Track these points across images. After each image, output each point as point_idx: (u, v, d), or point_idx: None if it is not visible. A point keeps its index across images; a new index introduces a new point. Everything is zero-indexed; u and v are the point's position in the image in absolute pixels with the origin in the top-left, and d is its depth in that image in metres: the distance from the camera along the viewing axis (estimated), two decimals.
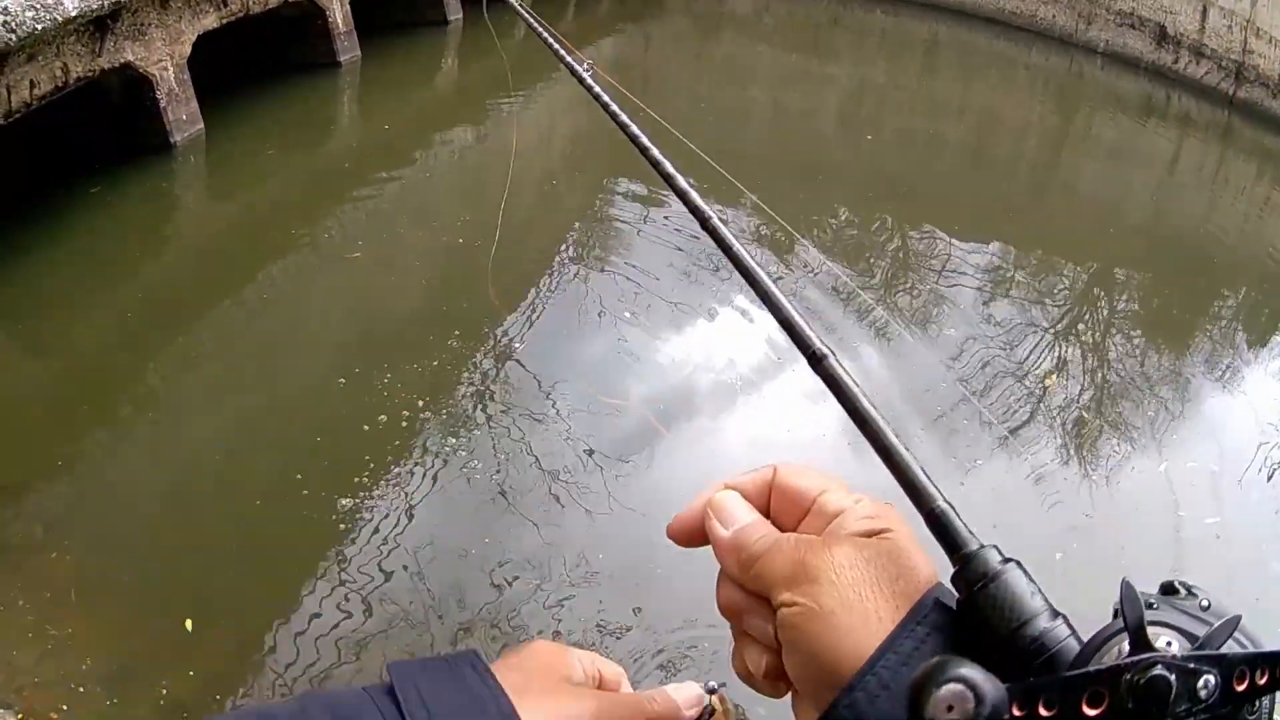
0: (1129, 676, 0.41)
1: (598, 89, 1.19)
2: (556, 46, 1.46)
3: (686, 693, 0.64)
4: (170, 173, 6.71)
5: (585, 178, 7.76)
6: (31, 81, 5.38)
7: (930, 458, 4.41)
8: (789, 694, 0.55)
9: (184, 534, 3.85)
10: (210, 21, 6.95)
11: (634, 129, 1.03)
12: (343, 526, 3.83)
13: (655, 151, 0.95)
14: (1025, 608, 0.47)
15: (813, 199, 7.38)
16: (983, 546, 0.50)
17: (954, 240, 6.66)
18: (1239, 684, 0.42)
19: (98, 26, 5.76)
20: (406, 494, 4.02)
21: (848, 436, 4.16)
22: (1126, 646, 0.43)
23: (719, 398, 4.78)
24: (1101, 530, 4.08)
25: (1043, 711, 0.42)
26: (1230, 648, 0.43)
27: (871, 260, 6.54)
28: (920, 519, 0.54)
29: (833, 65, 11.43)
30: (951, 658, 0.41)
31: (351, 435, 4.32)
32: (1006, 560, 0.49)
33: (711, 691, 0.64)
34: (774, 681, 0.55)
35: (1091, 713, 0.41)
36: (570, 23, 11.59)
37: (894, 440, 0.56)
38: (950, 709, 0.39)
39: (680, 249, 5.95)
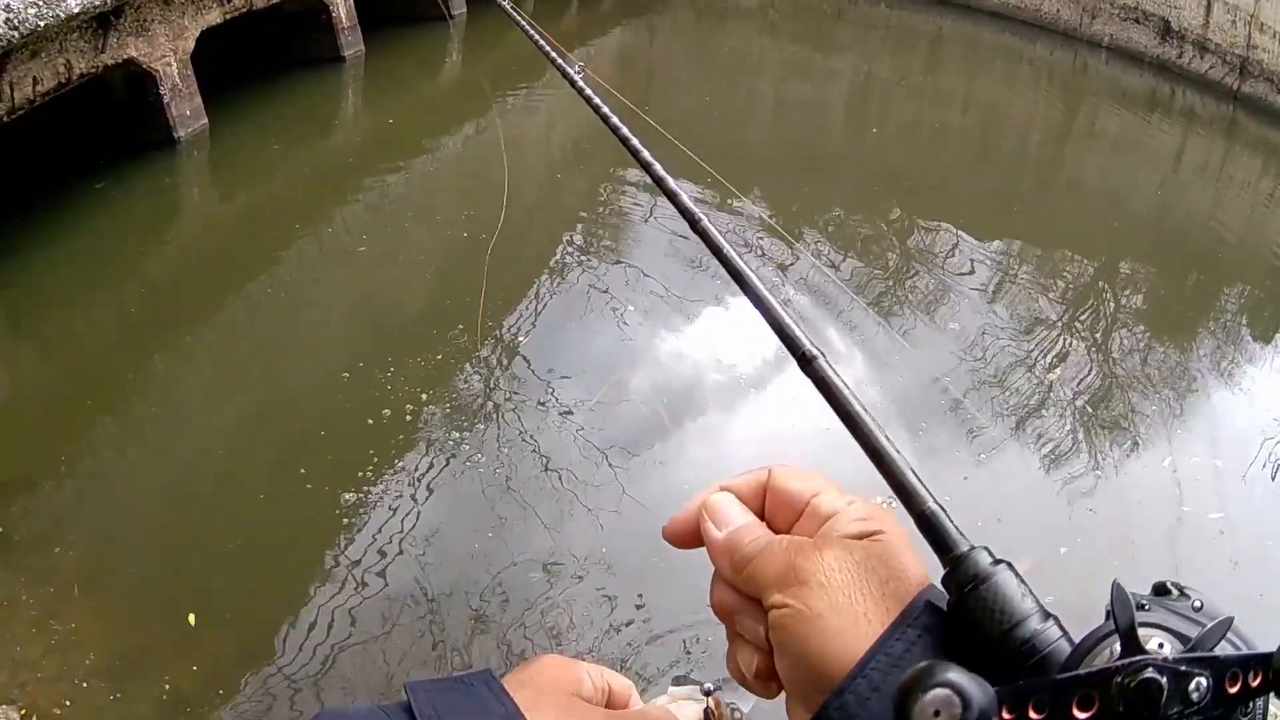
0: (1120, 679, 0.41)
1: (589, 92, 1.18)
2: (548, 49, 1.45)
3: (688, 713, 0.65)
4: (174, 168, 6.71)
5: (589, 170, 7.75)
6: (34, 78, 5.38)
7: (933, 452, 4.41)
8: (783, 696, 0.55)
9: (187, 529, 3.86)
10: (213, 17, 6.95)
11: (624, 131, 1.03)
12: (346, 521, 3.84)
13: (646, 154, 0.95)
14: (1016, 610, 0.46)
15: (816, 193, 7.37)
16: (973, 548, 0.50)
17: (958, 234, 6.64)
18: (1232, 686, 0.41)
19: (100, 23, 5.77)
20: (410, 488, 4.02)
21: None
22: (1118, 648, 0.43)
23: (724, 391, 4.78)
24: (1105, 525, 4.08)
25: (1033, 715, 0.41)
26: (1223, 649, 0.42)
27: (875, 254, 6.52)
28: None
29: (837, 59, 11.40)
30: (939, 662, 0.40)
31: (355, 430, 4.33)
32: (997, 562, 0.49)
33: (708, 693, 0.64)
34: (765, 682, 0.55)
35: (1082, 716, 0.41)
36: (574, 17, 11.58)
37: (884, 442, 0.56)
38: (937, 714, 0.39)
39: (686, 237, 5.93)
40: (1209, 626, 0.43)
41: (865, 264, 6.35)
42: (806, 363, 0.61)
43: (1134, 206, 7.84)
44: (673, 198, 0.85)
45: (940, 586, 0.50)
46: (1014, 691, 0.41)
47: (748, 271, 0.71)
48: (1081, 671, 0.42)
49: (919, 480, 0.53)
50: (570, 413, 4.49)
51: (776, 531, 0.57)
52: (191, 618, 3.38)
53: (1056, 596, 3.01)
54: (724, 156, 7.05)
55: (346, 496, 3.93)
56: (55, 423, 4.42)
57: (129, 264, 5.77)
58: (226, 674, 3.22)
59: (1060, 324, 5.64)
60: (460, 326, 5.11)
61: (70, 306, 5.23)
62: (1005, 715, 0.41)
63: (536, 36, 1.61)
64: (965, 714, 0.39)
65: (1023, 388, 4.95)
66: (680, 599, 3.45)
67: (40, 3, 4.88)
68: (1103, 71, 10.79)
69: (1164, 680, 0.40)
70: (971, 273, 6.15)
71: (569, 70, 1.26)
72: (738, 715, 0.63)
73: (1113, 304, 6.03)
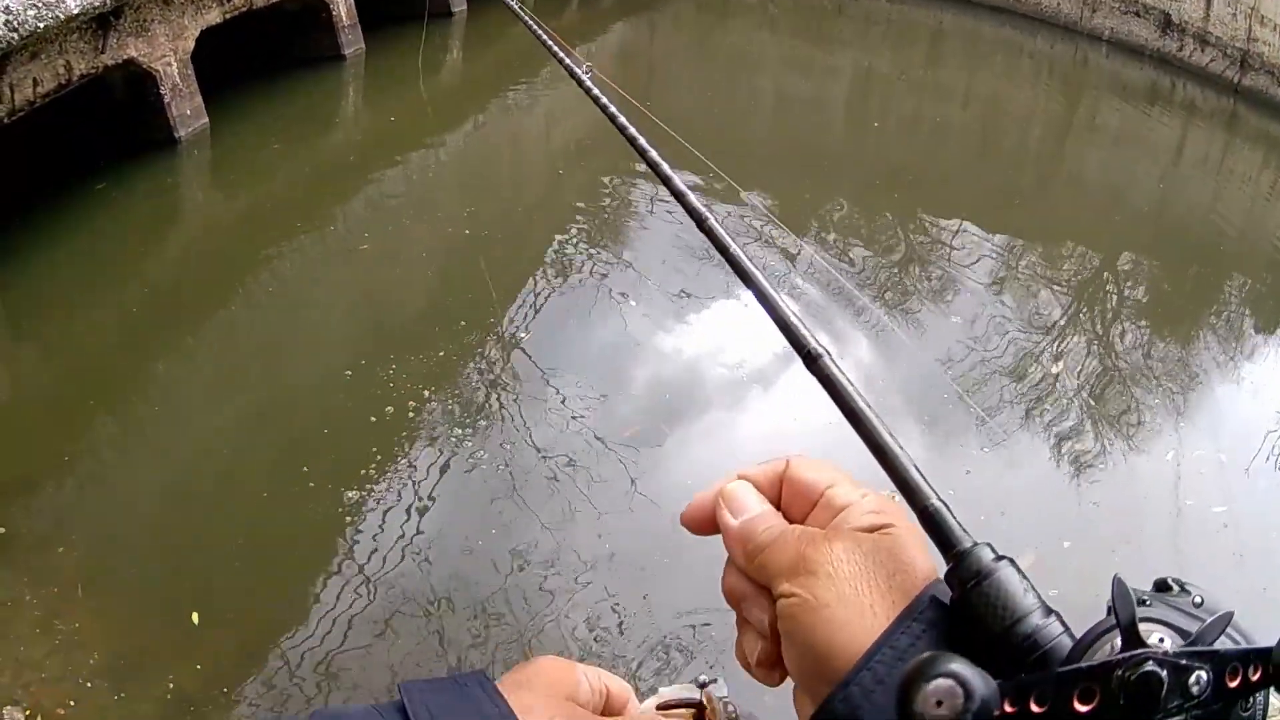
0: (1120, 673, 0.41)
1: (596, 91, 1.18)
2: (555, 48, 1.45)
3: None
4: (175, 168, 6.71)
5: (591, 165, 7.74)
6: (34, 80, 5.38)
7: (937, 446, 4.41)
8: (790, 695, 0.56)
9: (189, 529, 3.87)
10: (213, 16, 6.95)
11: (632, 130, 1.03)
12: (349, 519, 3.84)
13: (654, 154, 0.96)
14: (1018, 605, 0.47)
15: (818, 188, 7.37)
16: (976, 544, 0.50)
17: (960, 229, 6.64)
18: (1232, 680, 0.41)
19: (100, 23, 5.76)
20: (413, 485, 4.02)
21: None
22: (1119, 643, 0.43)
23: (728, 386, 4.78)
24: (1109, 519, 4.08)
25: (1034, 708, 0.42)
26: (1223, 644, 0.43)
27: (877, 249, 6.52)
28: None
29: (838, 54, 11.40)
30: (942, 653, 0.41)
31: (358, 427, 4.33)
32: (999, 558, 0.49)
33: (702, 686, 0.65)
34: (769, 669, 0.56)
35: (1083, 709, 0.41)
36: (575, 13, 11.56)
37: (888, 438, 0.56)
38: (939, 704, 0.39)
39: (690, 231, 5.92)
40: (1209, 621, 0.43)
41: (867, 259, 6.35)
42: (811, 360, 0.62)
43: (1135, 200, 7.84)
44: (680, 197, 0.86)
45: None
46: (1016, 685, 0.42)
47: (754, 270, 0.72)
48: (1083, 665, 0.42)
49: (922, 476, 0.54)
50: (575, 413, 4.49)
51: (792, 521, 0.58)
52: (195, 617, 3.38)
53: (1060, 590, 3.01)
54: (726, 153, 7.04)
55: (349, 495, 3.94)
56: (57, 423, 4.42)
57: (130, 264, 5.77)
58: (229, 673, 3.22)
59: (1062, 318, 5.64)
60: (462, 323, 5.11)
61: (71, 307, 5.23)
62: (1008, 708, 0.41)
63: (544, 35, 1.61)
64: (967, 704, 0.39)
65: (1025, 381, 4.95)
66: (685, 599, 3.45)
67: (40, 4, 4.88)
68: (1103, 65, 10.78)
69: (1164, 674, 0.40)
70: (973, 266, 6.15)
71: (577, 70, 1.26)
72: (731, 709, 0.63)
73: (1115, 297, 6.03)
